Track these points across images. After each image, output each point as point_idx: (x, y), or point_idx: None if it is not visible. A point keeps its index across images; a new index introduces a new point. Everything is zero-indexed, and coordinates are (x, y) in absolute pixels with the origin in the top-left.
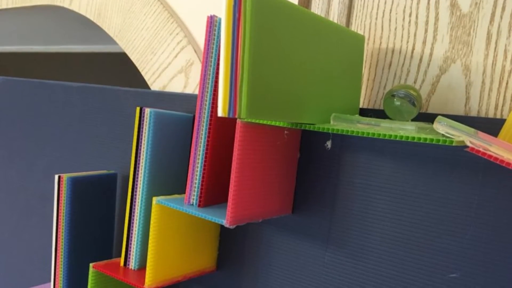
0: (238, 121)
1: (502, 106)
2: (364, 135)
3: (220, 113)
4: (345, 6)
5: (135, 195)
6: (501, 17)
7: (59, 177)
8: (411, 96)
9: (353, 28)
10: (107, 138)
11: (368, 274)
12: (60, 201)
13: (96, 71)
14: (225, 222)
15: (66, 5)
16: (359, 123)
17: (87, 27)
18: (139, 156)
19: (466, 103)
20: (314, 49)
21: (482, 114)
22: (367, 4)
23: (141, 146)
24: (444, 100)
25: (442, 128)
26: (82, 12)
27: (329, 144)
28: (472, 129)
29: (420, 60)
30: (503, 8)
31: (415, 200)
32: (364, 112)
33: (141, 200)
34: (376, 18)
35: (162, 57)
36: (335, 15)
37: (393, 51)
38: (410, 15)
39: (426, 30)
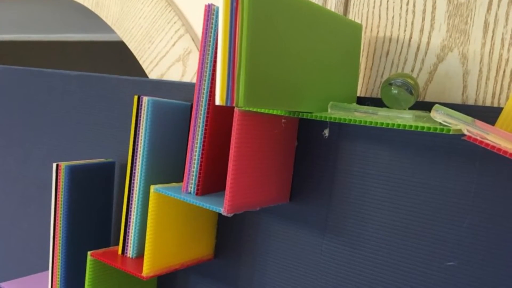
0: (235, 109)
1: (499, 94)
2: (362, 124)
3: (218, 101)
4: None
5: (133, 183)
6: (498, 6)
7: (57, 165)
8: (409, 85)
9: (351, 16)
10: (105, 126)
11: (365, 262)
12: (58, 190)
13: (94, 59)
14: (223, 211)
15: None
16: (357, 112)
17: (85, 16)
18: (137, 145)
19: (464, 92)
20: (312, 38)
21: (479, 103)
22: None
23: (139, 134)
24: (441, 88)
25: (440, 116)
26: (80, 0)
27: (326, 132)
28: (470, 118)
29: (418, 48)
30: None
31: (413, 189)
32: (361, 101)
33: (139, 189)
34: (374, 7)
35: (160, 46)
36: (333, 4)
37: (390, 39)
38: (407, 4)
39: (423, 19)
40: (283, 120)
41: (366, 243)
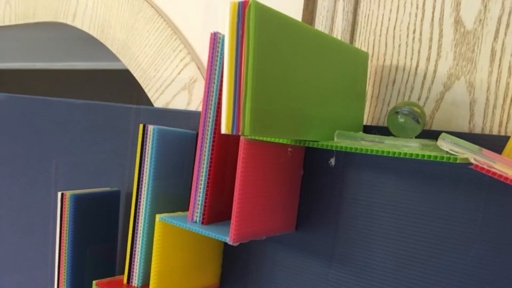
0: (241, 138)
1: (507, 123)
2: (368, 152)
3: (224, 130)
4: (349, 23)
5: (138, 212)
6: (505, 34)
7: (62, 194)
8: (415, 113)
9: (357, 45)
10: (110, 155)
11: None
12: (63, 218)
13: (99, 88)
14: (229, 240)
15: (69, 22)
16: (363, 140)
17: (90, 44)
18: (142, 173)
19: (470, 120)
20: (318, 66)
21: (486, 131)
22: (371, 21)
23: (144, 163)
24: (448, 117)
25: (446, 145)
26: (85, 28)
27: (332, 161)
28: (476, 146)
29: (424, 77)
30: (507, 25)
31: (420, 218)
32: (368, 129)
33: (144, 217)
34: (380, 35)
35: (165, 74)
36: (339, 32)
37: (397, 68)
38: (414, 32)
39: (430, 47)
40: (289, 149)
41: (372, 272)
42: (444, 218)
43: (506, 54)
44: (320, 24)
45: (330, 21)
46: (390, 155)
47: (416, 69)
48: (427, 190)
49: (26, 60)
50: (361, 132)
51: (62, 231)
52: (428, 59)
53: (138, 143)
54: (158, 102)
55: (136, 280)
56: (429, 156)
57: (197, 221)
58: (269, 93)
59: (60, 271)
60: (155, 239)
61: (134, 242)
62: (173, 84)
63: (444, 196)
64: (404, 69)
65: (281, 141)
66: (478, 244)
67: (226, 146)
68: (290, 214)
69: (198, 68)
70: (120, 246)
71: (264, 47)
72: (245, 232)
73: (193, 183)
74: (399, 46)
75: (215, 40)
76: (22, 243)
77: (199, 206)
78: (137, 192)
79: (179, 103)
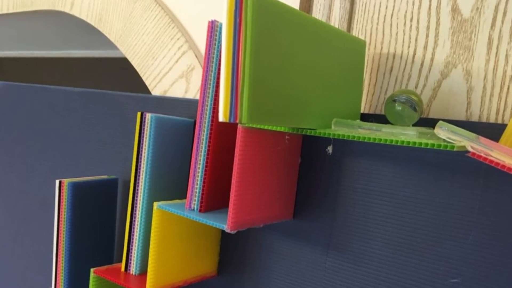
0: (239, 126)
1: (504, 111)
2: (365, 140)
3: (221, 118)
4: (346, 11)
5: (136, 200)
6: (502, 22)
7: (60, 182)
8: (412, 101)
9: (354, 33)
10: (108, 143)
11: (369, 279)
12: (61, 206)
13: (97, 76)
14: (226, 227)
15: (67, 10)
16: (361, 128)
17: (88, 32)
18: (140, 161)
19: (467, 108)
20: (315, 54)
21: (483, 119)
22: (368, 9)
23: (142, 151)
24: (445, 105)
25: (443, 133)
26: (83, 17)
27: (330, 149)
28: (474, 134)
29: (421, 65)
30: (504, 13)
31: (417, 205)
32: (365, 117)
33: (142, 205)
34: (377, 23)
35: (163, 62)
36: (336, 20)
37: (394, 56)
38: (411, 20)
39: (427, 35)
40: (286, 137)
41: (370, 260)
42: (441, 206)
43: (503, 42)
44: (318, 12)
45: (328, 9)
46: (387, 143)
47: (413, 57)
48: (425, 178)
49: (24, 48)
50: (358, 120)
51: (60, 219)
52: (425, 47)
53: (136, 131)
54: (156, 90)
55: (133, 268)
56: (426, 144)
57: (195, 208)
58: (266, 81)
59: (58, 259)
60: (153, 227)
61: (132, 230)
62: (171, 72)
63: (442, 183)
64: (401, 57)
65: (278, 129)
66: (475, 231)
67: (223, 134)
68: (287, 202)
69: (196, 56)
70: (118, 234)
71: (262, 35)
72: (243, 220)
73: (190, 171)
74: (396, 34)
75: (213, 28)
76: (20, 231)
77: (197, 194)
78: (135, 180)
79: (177, 91)
